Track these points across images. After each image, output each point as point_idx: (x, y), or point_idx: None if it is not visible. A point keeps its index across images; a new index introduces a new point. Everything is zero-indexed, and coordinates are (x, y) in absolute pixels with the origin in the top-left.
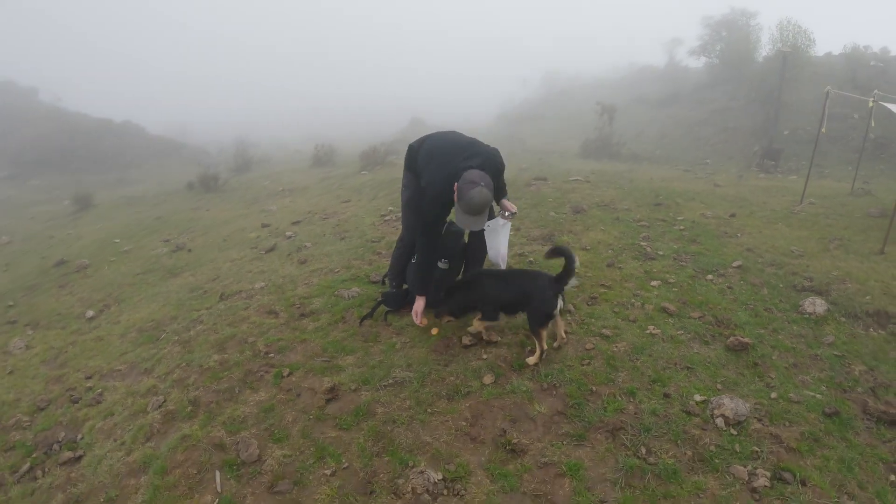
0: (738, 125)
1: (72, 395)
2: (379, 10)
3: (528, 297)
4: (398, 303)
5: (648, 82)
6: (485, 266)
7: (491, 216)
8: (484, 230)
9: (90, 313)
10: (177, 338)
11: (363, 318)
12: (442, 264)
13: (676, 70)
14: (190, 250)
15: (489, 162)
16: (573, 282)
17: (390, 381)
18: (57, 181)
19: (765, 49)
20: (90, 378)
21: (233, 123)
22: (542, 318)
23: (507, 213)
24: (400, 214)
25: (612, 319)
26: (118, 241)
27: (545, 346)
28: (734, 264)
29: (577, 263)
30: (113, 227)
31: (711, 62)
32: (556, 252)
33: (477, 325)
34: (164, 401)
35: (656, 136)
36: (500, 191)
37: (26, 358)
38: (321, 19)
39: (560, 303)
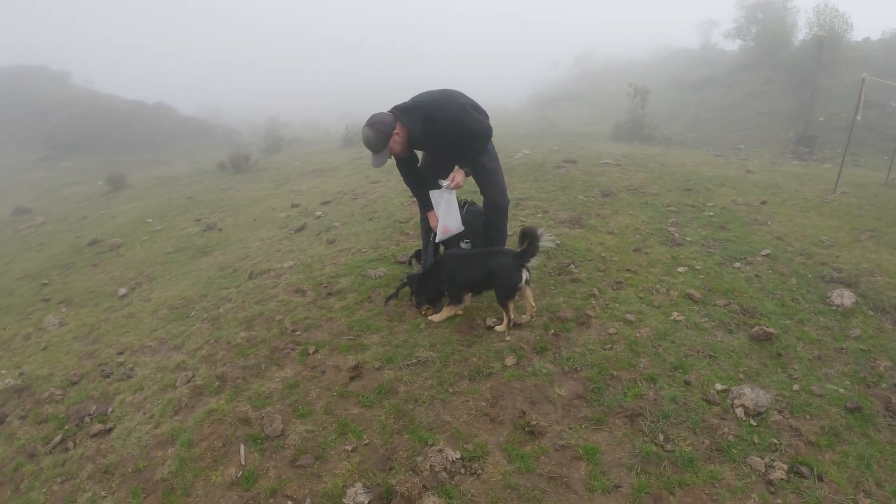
0: (773, 110)
1: (103, 370)
2: None
3: (493, 273)
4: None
5: (682, 64)
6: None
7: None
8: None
9: (122, 291)
10: (206, 315)
11: (388, 298)
12: (464, 244)
13: (711, 52)
14: (220, 230)
15: (423, 109)
16: (534, 261)
17: (413, 361)
18: (90, 163)
19: (801, 33)
20: (121, 354)
21: (265, 105)
22: (507, 292)
23: (443, 182)
24: None
25: (637, 304)
26: (150, 220)
27: (512, 317)
28: (763, 252)
29: (545, 243)
30: (145, 207)
31: (747, 45)
32: (524, 235)
33: (445, 312)
34: (193, 376)
35: (689, 120)
36: (461, 154)
37: (60, 334)
38: (356, 1)
39: (525, 275)
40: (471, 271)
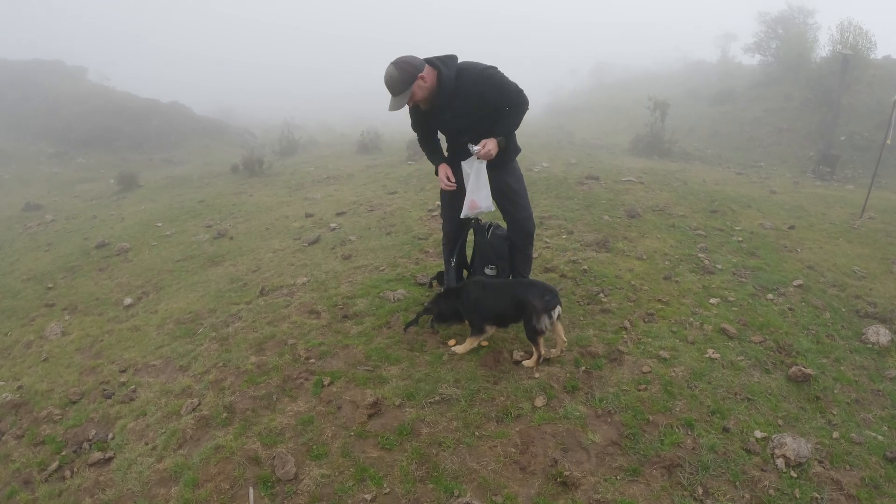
0: (793, 127)
1: (105, 390)
2: None
3: (523, 306)
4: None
5: (699, 77)
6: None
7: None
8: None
9: (128, 300)
10: (214, 334)
11: (408, 325)
12: (489, 271)
13: (729, 66)
14: (232, 238)
15: (457, 61)
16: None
17: (436, 398)
18: (103, 160)
19: (823, 49)
20: (124, 371)
21: (280, 105)
22: (538, 326)
23: (473, 147)
24: None
25: (670, 340)
26: (160, 224)
27: (542, 352)
28: (795, 283)
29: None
30: (156, 209)
31: (766, 60)
32: None
33: (469, 343)
34: (199, 404)
35: (708, 134)
36: (491, 123)
37: (62, 345)
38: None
39: (558, 310)
40: (498, 302)
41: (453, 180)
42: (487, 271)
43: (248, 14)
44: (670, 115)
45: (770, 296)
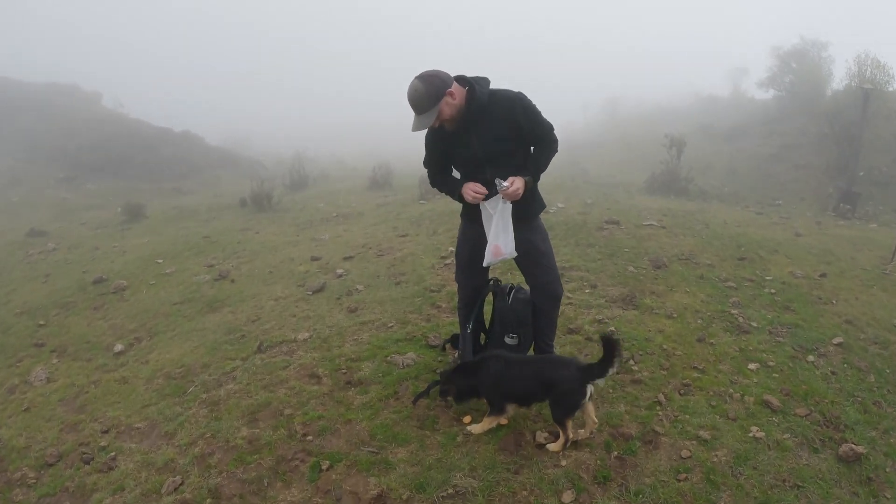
0: (810, 163)
1: (84, 453)
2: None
3: (550, 386)
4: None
5: (711, 112)
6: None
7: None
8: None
9: (119, 347)
10: (205, 395)
11: (417, 397)
12: (510, 339)
13: (741, 100)
14: (233, 280)
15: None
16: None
17: (450, 491)
18: (113, 187)
19: (839, 83)
20: (106, 433)
21: (295, 135)
22: (566, 410)
23: (501, 184)
24: None
25: (709, 416)
26: (161, 261)
27: (570, 436)
28: (835, 341)
29: (618, 360)
30: (159, 244)
31: (779, 95)
32: (606, 344)
33: (486, 423)
34: (182, 483)
35: (724, 171)
36: (519, 158)
37: (45, 393)
38: (385, 25)
39: (590, 391)
40: (522, 380)
41: (484, 190)
42: (508, 340)
43: (273, 34)
44: (685, 151)
45: (811, 357)
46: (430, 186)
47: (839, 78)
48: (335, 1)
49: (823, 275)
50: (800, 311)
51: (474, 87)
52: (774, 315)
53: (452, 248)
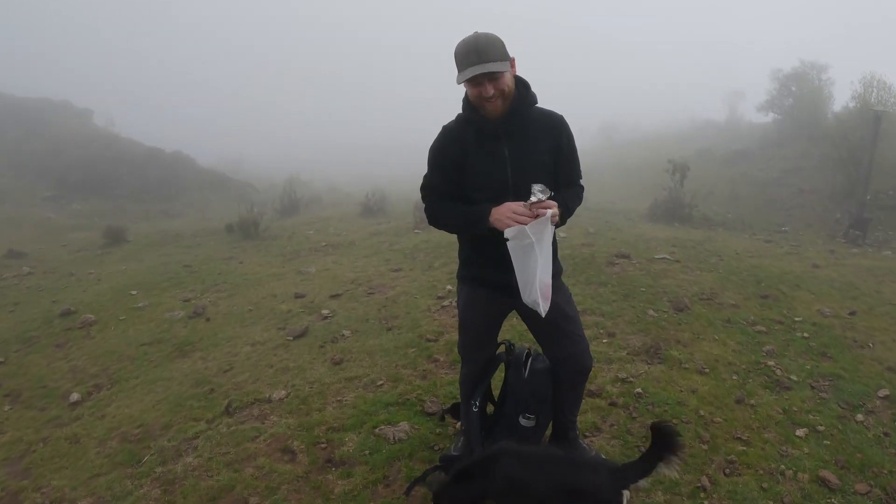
0: (814, 187)
1: None
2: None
3: (577, 494)
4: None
5: (709, 137)
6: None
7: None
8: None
9: (75, 396)
10: (160, 469)
11: (412, 485)
12: (525, 421)
13: (739, 124)
14: (208, 319)
15: None
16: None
17: None
18: (99, 207)
19: (840, 105)
20: None
21: (288, 157)
22: None
23: (538, 191)
24: None
25: (762, 503)
26: (135, 292)
27: None
28: (881, 394)
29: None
30: (136, 272)
31: (778, 118)
32: (658, 435)
33: None
34: None
35: (726, 197)
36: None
37: None
38: (388, 51)
39: (626, 497)
40: (541, 484)
41: (528, 213)
42: (523, 422)
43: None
44: (686, 177)
45: (859, 416)
46: (424, 215)
47: (840, 100)
48: (333, 26)
49: (853, 312)
50: (838, 358)
51: (528, 85)
52: (813, 365)
53: (450, 287)
